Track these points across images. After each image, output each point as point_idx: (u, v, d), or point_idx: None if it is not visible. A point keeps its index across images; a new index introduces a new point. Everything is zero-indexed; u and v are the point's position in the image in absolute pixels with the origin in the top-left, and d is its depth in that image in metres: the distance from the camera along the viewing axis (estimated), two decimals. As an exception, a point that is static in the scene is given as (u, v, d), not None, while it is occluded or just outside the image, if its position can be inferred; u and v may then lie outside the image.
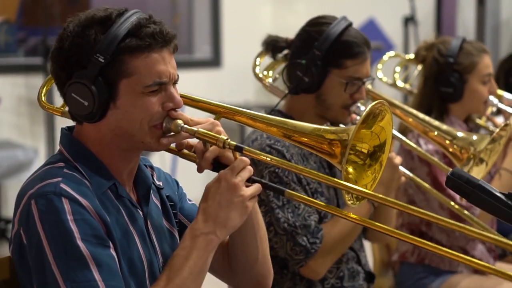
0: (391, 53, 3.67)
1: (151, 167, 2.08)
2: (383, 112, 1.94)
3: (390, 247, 3.40)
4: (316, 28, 2.63)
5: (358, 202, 1.93)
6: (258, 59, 2.83)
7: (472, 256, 3.21)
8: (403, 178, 2.67)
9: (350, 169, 1.95)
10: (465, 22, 7.30)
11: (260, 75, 2.83)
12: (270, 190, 1.94)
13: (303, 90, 2.64)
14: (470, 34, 7.21)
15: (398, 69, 3.54)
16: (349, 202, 1.92)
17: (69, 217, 1.75)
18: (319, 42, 2.59)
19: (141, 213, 1.93)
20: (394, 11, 7.12)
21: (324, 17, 2.67)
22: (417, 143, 3.15)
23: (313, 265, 2.55)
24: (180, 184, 2.15)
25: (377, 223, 1.86)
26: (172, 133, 1.89)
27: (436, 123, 2.81)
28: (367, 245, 3.29)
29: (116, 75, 1.83)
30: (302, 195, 1.91)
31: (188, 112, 1.99)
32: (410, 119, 2.83)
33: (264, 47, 2.76)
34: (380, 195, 1.86)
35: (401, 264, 3.28)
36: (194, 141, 1.97)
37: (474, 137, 2.74)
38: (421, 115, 2.84)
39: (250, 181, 1.89)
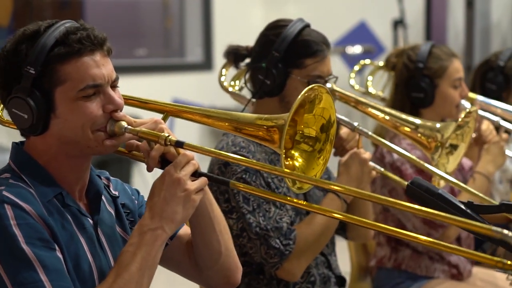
0: (366, 61, 3.68)
1: (107, 179, 2.11)
2: (319, 95, 1.96)
3: (368, 252, 3.40)
4: (273, 31, 2.66)
5: (301, 190, 1.95)
6: (223, 70, 2.86)
7: (449, 262, 3.23)
8: (373, 173, 2.67)
9: (299, 159, 1.98)
10: (456, 24, 7.31)
11: (225, 84, 2.85)
12: (216, 182, 1.97)
13: (266, 93, 2.66)
14: (460, 37, 7.22)
15: (370, 77, 3.55)
16: (293, 188, 1.93)
17: (12, 222, 1.78)
18: (277, 44, 2.61)
19: (91, 221, 1.96)
20: (384, 14, 7.13)
21: (281, 20, 2.70)
22: (388, 152, 3.16)
23: (289, 267, 2.56)
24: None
25: (352, 216, 1.89)
26: (117, 135, 1.91)
27: (403, 115, 2.82)
28: (344, 249, 3.30)
29: (50, 85, 1.86)
30: (247, 186, 1.94)
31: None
32: (381, 116, 2.83)
33: (225, 57, 2.78)
34: (324, 181, 1.93)
35: (378, 269, 3.28)
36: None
37: (438, 125, 2.74)
38: (389, 110, 2.84)
39: (196, 175, 1.91)
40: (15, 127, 2.04)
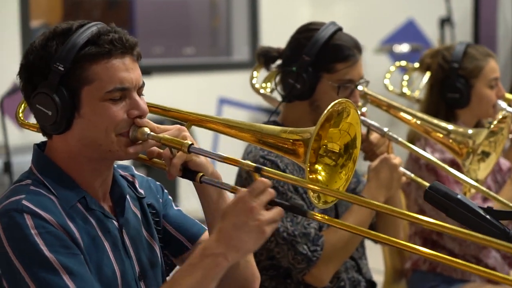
0: (398, 63, 3.65)
1: (133, 175, 2.08)
2: (347, 109, 1.92)
3: (403, 255, 3.37)
4: (304, 34, 2.64)
5: (326, 204, 1.90)
6: (255, 72, 2.85)
7: (486, 265, 3.18)
8: (403, 178, 2.65)
9: (322, 173, 1.94)
10: (506, 21, 7.19)
11: (257, 86, 2.84)
12: (292, 211, 1.86)
13: (296, 97, 2.64)
14: (510, 34, 7.10)
15: (406, 77, 3.52)
16: (316, 202, 1.89)
17: (33, 231, 1.77)
18: (308, 48, 2.59)
19: (116, 223, 1.94)
20: (432, 12, 7.05)
21: (313, 23, 2.67)
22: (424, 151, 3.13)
23: (316, 273, 2.54)
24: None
25: (372, 232, 1.85)
26: (139, 141, 1.89)
27: (435, 120, 2.78)
28: (378, 252, 3.28)
29: (77, 83, 1.85)
30: (323, 216, 1.85)
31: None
32: (413, 121, 2.80)
33: (256, 59, 2.77)
34: (353, 195, 1.85)
35: (413, 272, 3.25)
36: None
37: (470, 131, 2.71)
38: (421, 115, 2.81)
39: (272, 204, 1.78)
40: (34, 129, 2.05)
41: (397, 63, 3.67)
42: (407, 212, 1.78)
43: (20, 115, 2.14)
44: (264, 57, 2.77)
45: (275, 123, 2.71)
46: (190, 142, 1.87)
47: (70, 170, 1.90)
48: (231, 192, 1.89)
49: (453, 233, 1.71)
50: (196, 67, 7.30)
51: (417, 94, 3.54)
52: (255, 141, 1.96)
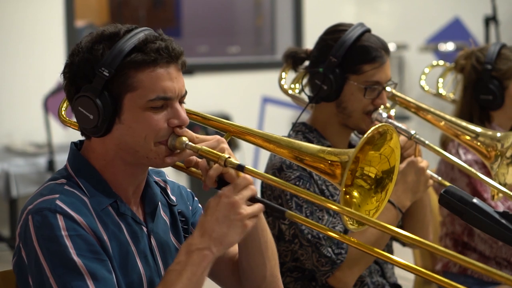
0: (436, 62, 3.63)
1: (165, 181, 2.10)
2: (390, 131, 1.93)
3: (434, 256, 3.36)
4: (332, 35, 2.64)
5: (358, 226, 1.90)
6: (283, 73, 2.86)
7: (517, 267, 3.16)
8: (431, 182, 2.64)
9: (355, 193, 1.95)
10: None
11: (285, 87, 2.86)
12: (272, 210, 1.91)
13: (323, 98, 2.65)
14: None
15: (441, 79, 3.49)
16: (350, 226, 1.90)
17: (64, 233, 1.79)
18: (335, 49, 2.59)
19: (145, 229, 1.96)
20: (477, 10, 6.99)
21: (341, 25, 2.67)
22: (457, 153, 3.12)
23: (341, 276, 2.54)
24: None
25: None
26: (177, 151, 1.91)
27: (464, 123, 2.76)
28: (409, 253, 3.27)
29: (121, 89, 1.86)
30: (302, 217, 1.88)
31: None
32: (442, 123, 2.79)
33: (284, 60, 2.78)
34: (380, 223, 1.83)
35: (444, 274, 3.23)
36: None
37: (499, 134, 2.69)
38: (449, 117, 2.79)
39: (253, 201, 1.87)
40: (75, 127, 2.05)
41: (435, 63, 3.65)
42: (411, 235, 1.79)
43: (63, 113, 2.17)
44: (292, 58, 2.78)
45: (304, 124, 2.72)
46: (227, 156, 1.88)
47: (105, 172, 1.92)
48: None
49: (442, 254, 1.76)
50: (240, 66, 7.34)
51: (453, 95, 3.52)
52: (292, 158, 1.98)
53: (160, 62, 1.85)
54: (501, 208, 3.06)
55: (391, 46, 7.52)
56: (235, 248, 2.06)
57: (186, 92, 1.93)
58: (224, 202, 1.84)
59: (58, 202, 1.82)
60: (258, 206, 1.87)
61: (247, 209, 1.85)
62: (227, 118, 7.09)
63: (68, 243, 1.79)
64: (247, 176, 1.88)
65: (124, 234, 1.91)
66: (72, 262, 1.78)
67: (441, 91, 3.52)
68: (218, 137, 1.95)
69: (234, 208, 1.83)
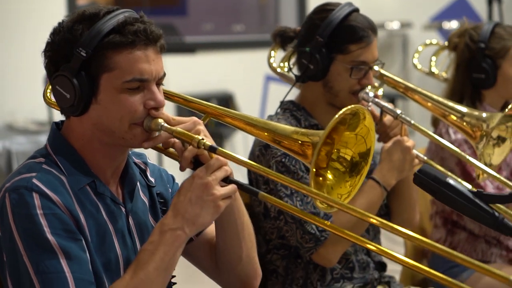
0: (433, 40, 3.63)
1: (146, 163, 2.11)
2: (361, 110, 1.94)
3: (425, 235, 3.37)
4: (319, 15, 2.64)
5: (327, 207, 1.91)
6: (272, 52, 2.87)
7: (506, 246, 3.17)
8: (416, 161, 2.65)
9: (330, 176, 1.97)
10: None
11: (274, 65, 2.87)
12: (246, 191, 1.93)
13: (309, 78, 2.66)
14: None
15: (434, 57, 3.50)
16: (319, 205, 1.92)
17: (39, 211, 1.81)
18: (322, 29, 2.60)
19: (123, 209, 1.97)
20: (481, -12, 6.96)
21: (329, 4, 2.67)
22: (447, 132, 3.13)
23: (324, 253, 2.56)
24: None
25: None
26: (154, 134, 1.92)
27: (450, 103, 2.76)
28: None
29: (98, 70, 1.87)
30: (274, 198, 1.90)
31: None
32: (429, 104, 2.79)
33: (272, 38, 2.79)
34: (350, 206, 1.85)
35: (433, 252, 3.25)
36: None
37: (484, 115, 2.69)
38: (436, 97, 2.79)
39: (227, 181, 1.89)
40: (57, 107, 2.04)
41: (428, 41, 3.65)
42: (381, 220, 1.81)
43: (48, 94, 2.18)
44: (280, 37, 2.79)
45: (291, 103, 2.74)
46: (200, 137, 1.89)
47: (84, 152, 1.93)
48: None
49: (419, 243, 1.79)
50: (244, 44, 7.34)
51: (445, 74, 3.52)
52: (269, 140, 2.00)
53: (138, 44, 1.87)
54: (490, 188, 3.07)
55: (395, 24, 7.51)
56: (212, 231, 2.08)
57: (164, 74, 1.93)
58: (197, 183, 1.86)
59: (35, 181, 1.84)
60: (231, 187, 1.88)
61: (220, 190, 1.87)
62: (230, 97, 7.18)
63: (43, 221, 1.81)
64: (221, 157, 1.88)
65: (102, 213, 1.92)
66: (46, 240, 1.80)
67: (434, 69, 3.52)
68: (194, 118, 1.96)
69: (207, 189, 1.85)
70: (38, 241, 1.80)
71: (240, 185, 1.90)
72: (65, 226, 1.83)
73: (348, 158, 1.97)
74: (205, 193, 1.85)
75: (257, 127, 2.01)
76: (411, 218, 2.80)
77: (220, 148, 1.88)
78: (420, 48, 3.58)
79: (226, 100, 7.09)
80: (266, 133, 2.00)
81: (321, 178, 1.96)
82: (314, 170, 1.91)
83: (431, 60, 3.52)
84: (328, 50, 2.61)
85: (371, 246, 1.82)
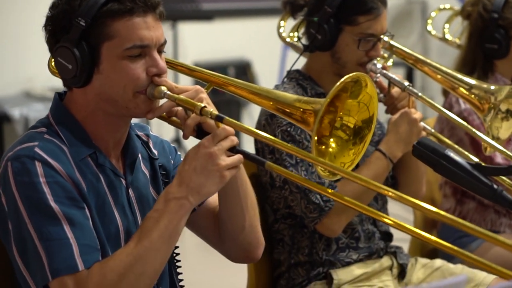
0: (446, 6, 3.60)
1: (148, 135, 2.12)
2: (363, 77, 1.93)
3: (435, 205, 3.37)
4: None
5: (329, 175, 1.91)
6: (282, 21, 2.86)
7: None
8: (423, 133, 2.65)
9: (332, 144, 1.97)
10: None
11: (284, 35, 2.86)
12: (252, 161, 1.92)
13: (317, 48, 2.65)
14: None
15: (447, 24, 3.47)
16: (322, 173, 1.91)
17: (42, 179, 1.82)
18: None
19: (123, 181, 1.99)
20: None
21: None
22: (457, 101, 3.11)
23: (328, 223, 2.57)
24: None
25: (382, 187, 1.84)
26: (156, 106, 1.93)
27: (459, 75, 2.75)
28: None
29: (98, 39, 1.88)
30: (281, 168, 1.91)
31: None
32: (439, 76, 2.78)
33: (282, 7, 2.79)
34: (352, 173, 1.87)
35: (442, 222, 3.25)
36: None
37: (493, 87, 2.68)
38: (446, 69, 2.78)
39: (233, 151, 1.88)
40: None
41: (441, 6, 3.63)
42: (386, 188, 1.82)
43: (52, 63, 2.17)
44: (290, 5, 2.78)
45: (298, 72, 2.73)
46: (202, 105, 1.89)
47: (86, 123, 1.94)
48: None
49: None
50: (262, 11, 7.30)
51: (458, 40, 3.49)
52: (272, 108, 2.00)
53: (136, 11, 1.88)
54: (499, 159, 3.06)
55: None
56: (215, 200, 2.09)
57: (165, 41, 1.94)
58: (202, 153, 1.86)
59: (37, 150, 1.85)
60: (237, 157, 1.88)
61: (225, 160, 1.86)
62: (248, 65, 7.16)
63: (46, 189, 1.82)
64: (227, 127, 1.88)
65: (103, 185, 1.94)
66: (49, 208, 1.82)
67: (447, 36, 3.50)
68: (197, 87, 1.96)
69: (212, 158, 1.85)
70: (41, 208, 1.82)
71: (246, 155, 1.90)
72: (68, 194, 1.84)
73: (351, 125, 1.97)
74: (210, 162, 1.85)
75: (260, 95, 2.01)
76: (418, 190, 2.81)
77: (226, 117, 1.88)
78: (433, 14, 3.55)
79: (244, 67, 7.09)
80: (268, 102, 2.00)
81: (323, 147, 1.96)
82: (316, 138, 1.92)
83: (444, 27, 3.49)
84: (337, 21, 2.60)
85: (373, 215, 1.84)
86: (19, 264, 1.85)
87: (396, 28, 7.97)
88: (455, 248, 1.72)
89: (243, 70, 7.06)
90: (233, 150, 1.88)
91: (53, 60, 2.18)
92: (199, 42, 7.04)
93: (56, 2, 1.93)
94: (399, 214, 2.89)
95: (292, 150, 1.90)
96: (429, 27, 3.51)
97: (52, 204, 1.82)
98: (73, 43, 1.88)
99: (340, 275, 2.64)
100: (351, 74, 1.91)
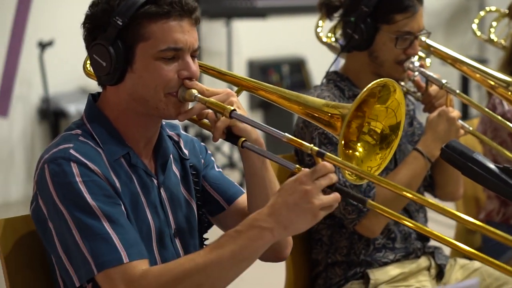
0: (489, 8, 3.56)
1: (179, 135, 2.15)
2: (390, 83, 1.94)
3: (480, 206, 3.35)
4: None
5: (359, 180, 1.92)
6: (320, 21, 2.88)
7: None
8: (461, 131, 2.64)
9: (360, 148, 1.98)
10: None
11: (321, 35, 2.88)
12: (352, 199, 1.84)
13: (354, 47, 2.66)
14: None
15: (494, 22, 3.43)
16: (348, 177, 1.92)
17: (78, 179, 1.87)
18: None
19: (155, 181, 2.02)
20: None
21: None
22: (501, 102, 3.09)
23: (367, 224, 2.58)
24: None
25: (415, 194, 1.82)
26: (187, 107, 1.97)
27: (498, 74, 2.73)
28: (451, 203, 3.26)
29: (133, 39, 1.92)
30: (384, 209, 1.82)
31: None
32: (477, 75, 2.76)
33: (318, 8, 2.80)
34: (380, 178, 1.86)
35: (486, 223, 3.20)
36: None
37: None
38: (484, 68, 2.76)
39: (332, 189, 1.79)
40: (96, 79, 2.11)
41: (488, 8, 3.59)
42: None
43: (87, 65, 2.21)
44: (325, 7, 2.79)
45: (335, 73, 2.75)
46: (232, 108, 1.92)
47: (119, 123, 1.98)
48: (270, 159, 1.95)
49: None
50: (316, 8, 7.28)
51: (504, 41, 3.46)
52: (301, 113, 2.02)
53: (173, 14, 1.92)
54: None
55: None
56: (244, 201, 2.11)
57: (199, 47, 1.97)
58: (298, 189, 1.78)
59: (72, 151, 1.90)
60: (333, 196, 1.79)
61: (321, 199, 1.78)
62: (302, 62, 7.16)
63: (83, 188, 1.87)
64: (327, 164, 1.80)
65: (135, 185, 1.97)
66: (88, 205, 1.86)
67: (493, 36, 3.47)
68: (228, 90, 1.99)
69: (307, 196, 1.77)
70: (81, 206, 1.86)
71: (345, 193, 1.81)
72: (105, 192, 1.89)
73: (378, 131, 1.98)
74: (304, 200, 1.77)
75: (289, 100, 2.03)
76: (455, 191, 2.80)
77: (328, 153, 1.82)
78: (482, 13, 3.52)
79: (298, 65, 7.10)
80: (298, 106, 2.02)
81: (350, 151, 1.98)
82: (343, 142, 1.93)
83: (490, 27, 3.46)
84: (373, 20, 2.61)
85: (407, 223, 1.82)
86: (64, 260, 1.89)
87: (453, 25, 7.91)
88: (489, 258, 1.73)
89: (298, 67, 7.08)
90: (332, 187, 1.79)
91: (88, 62, 2.24)
92: (253, 39, 7.08)
93: (96, 0, 1.97)
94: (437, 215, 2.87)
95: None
96: (474, 26, 3.47)
97: (90, 201, 1.86)
98: (109, 41, 1.92)
99: (377, 275, 2.64)
100: (378, 80, 1.92)
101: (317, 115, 1.98)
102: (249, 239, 1.80)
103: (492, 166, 1.86)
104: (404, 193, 1.83)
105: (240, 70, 7.11)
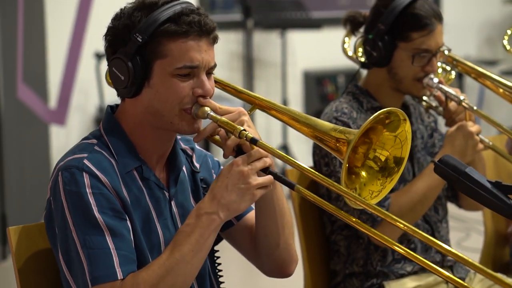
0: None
1: (192, 149, 2.21)
2: (397, 112, 1.98)
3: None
4: (383, 1, 2.68)
5: (357, 205, 1.98)
6: (346, 38, 2.92)
7: None
8: (480, 146, 2.65)
9: (363, 173, 2.03)
10: None
11: (347, 50, 2.91)
12: (283, 183, 1.98)
13: (374, 64, 2.70)
14: None
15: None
16: (349, 201, 1.98)
17: (88, 190, 1.95)
18: (385, 16, 2.64)
19: (167, 194, 2.09)
20: None
21: None
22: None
23: (382, 233, 2.60)
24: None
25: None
26: (199, 126, 2.03)
27: None
28: (477, 215, 3.26)
29: (152, 56, 1.99)
30: (309, 192, 1.95)
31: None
32: (500, 90, 2.77)
33: (343, 24, 2.84)
34: (376, 207, 1.94)
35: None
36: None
37: None
38: (507, 83, 2.75)
39: (266, 172, 1.96)
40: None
41: None
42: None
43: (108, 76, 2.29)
44: (350, 23, 2.84)
45: (356, 86, 2.79)
46: (242, 128, 1.98)
47: (133, 135, 2.06)
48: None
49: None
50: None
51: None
52: (309, 135, 2.06)
53: (191, 34, 1.98)
54: None
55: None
56: (253, 217, 2.16)
57: (215, 65, 2.04)
58: (235, 171, 1.94)
59: (86, 162, 1.98)
60: (267, 178, 1.96)
61: (256, 180, 1.94)
62: (357, 73, 7.14)
63: (91, 200, 1.94)
64: (262, 150, 1.96)
65: (146, 198, 2.04)
66: (93, 218, 1.94)
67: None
68: (240, 109, 2.05)
69: (243, 177, 1.93)
70: (86, 217, 1.94)
71: (277, 177, 1.96)
72: (112, 206, 1.96)
73: (383, 158, 2.02)
74: (241, 181, 1.93)
75: (299, 122, 2.08)
76: (474, 207, 2.80)
77: (260, 141, 1.96)
78: (509, 32, 3.50)
79: (354, 76, 7.10)
80: (307, 129, 2.06)
81: (354, 176, 2.02)
82: (347, 166, 1.97)
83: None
84: (391, 38, 2.65)
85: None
86: (64, 268, 1.98)
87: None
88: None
89: (353, 78, 7.08)
90: (266, 171, 1.96)
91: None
92: (308, 50, 7.12)
93: (119, 15, 2.04)
94: (470, 218, 2.87)
95: (319, 179, 1.96)
96: (505, 42, 3.46)
97: (96, 214, 1.94)
98: (128, 56, 1.99)
99: (393, 287, 2.66)
100: (384, 110, 1.96)
101: (324, 138, 2.03)
102: (201, 228, 1.94)
103: (483, 180, 1.88)
104: (397, 223, 1.96)
105: (295, 81, 7.16)
